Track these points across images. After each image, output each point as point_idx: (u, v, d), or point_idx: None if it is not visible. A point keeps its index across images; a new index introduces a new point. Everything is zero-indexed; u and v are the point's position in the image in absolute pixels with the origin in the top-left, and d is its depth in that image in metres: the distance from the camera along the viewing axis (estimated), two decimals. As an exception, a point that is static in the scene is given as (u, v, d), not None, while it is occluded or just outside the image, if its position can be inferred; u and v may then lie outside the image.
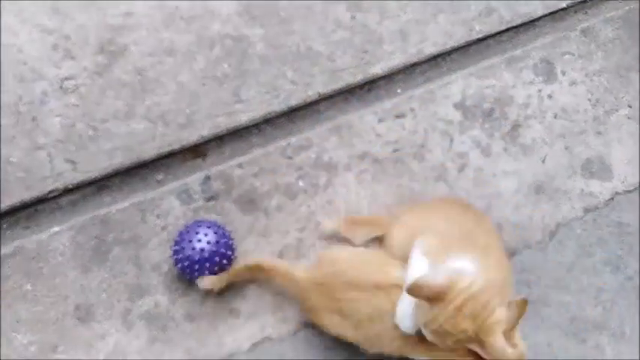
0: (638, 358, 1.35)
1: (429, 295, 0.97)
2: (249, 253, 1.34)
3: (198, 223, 1.24)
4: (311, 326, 1.29)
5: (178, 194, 1.38)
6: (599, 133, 1.54)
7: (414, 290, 0.98)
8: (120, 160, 1.37)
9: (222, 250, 1.21)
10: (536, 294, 1.38)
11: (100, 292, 1.29)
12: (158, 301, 1.29)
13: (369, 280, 1.15)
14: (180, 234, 1.23)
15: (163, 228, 1.34)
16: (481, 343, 0.96)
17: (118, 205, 1.35)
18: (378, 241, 1.31)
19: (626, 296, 1.40)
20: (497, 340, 0.96)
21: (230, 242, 1.24)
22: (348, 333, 1.17)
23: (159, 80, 1.45)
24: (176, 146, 1.41)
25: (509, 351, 0.96)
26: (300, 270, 1.24)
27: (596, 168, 1.51)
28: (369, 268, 1.18)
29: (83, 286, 1.28)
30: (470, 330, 0.96)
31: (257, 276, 1.29)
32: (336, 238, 1.35)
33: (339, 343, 1.27)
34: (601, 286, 1.40)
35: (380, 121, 1.49)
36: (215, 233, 1.22)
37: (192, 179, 1.39)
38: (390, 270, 1.16)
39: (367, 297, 1.14)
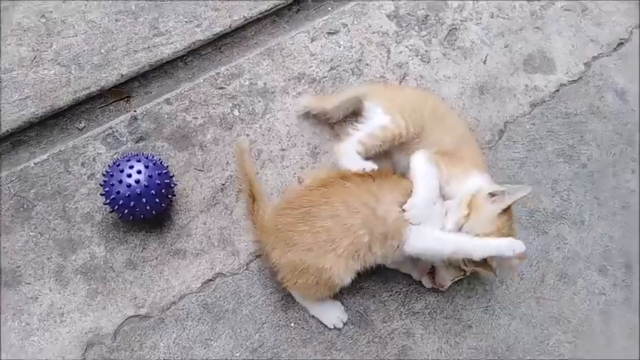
0: (599, 244, 1.35)
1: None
2: (189, 190, 1.26)
3: (126, 158, 1.14)
4: (261, 255, 1.23)
5: (104, 139, 1.28)
6: (537, 27, 1.52)
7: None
8: (32, 111, 1.26)
9: (157, 182, 1.12)
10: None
11: (27, 253, 1.18)
12: (94, 252, 1.20)
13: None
14: (107, 174, 1.14)
15: (90, 176, 1.24)
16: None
17: (36, 159, 1.25)
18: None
19: (581, 184, 1.39)
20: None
21: (165, 171, 1.16)
22: None
23: (66, 21, 1.34)
24: (94, 89, 1.30)
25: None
26: None
27: (538, 62, 1.49)
28: None
29: (6, 248, 1.18)
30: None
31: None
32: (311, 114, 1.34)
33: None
34: (556, 177, 1.39)
35: (313, 40, 1.42)
36: (146, 166, 1.12)
37: (118, 122, 1.30)
38: None
39: None
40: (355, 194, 1.10)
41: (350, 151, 1.17)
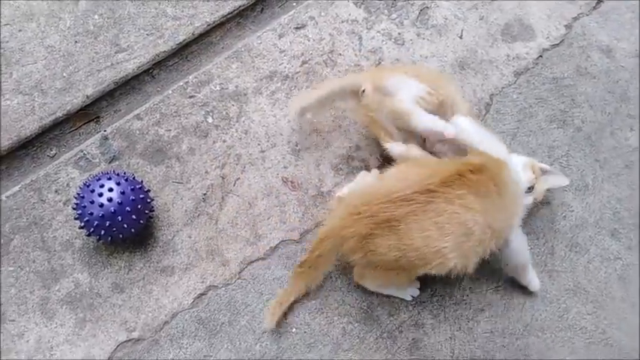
0: (607, 207, 1.34)
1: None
2: (170, 204, 1.26)
3: (96, 177, 1.15)
4: (253, 262, 1.22)
5: (75, 163, 1.29)
6: (511, -5, 1.54)
7: None
8: (-1, 143, 1.28)
9: (132, 198, 1.12)
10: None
11: (8, 289, 1.18)
12: (78, 280, 1.19)
13: None
14: (78, 196, 1.14)
15: (66, 202, 1.25)
16: None
17: (8, 192, 1.25)
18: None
19: (579, 148, 1.39)
20: None
21: (139, 186, 1.16)
22: None
23: (23, 49, 1.36)
24: (60, 114, 1.32)
25: None
26: None
27: (516, 30, 1.50)
28: None
29: (-14, 287, 1.17)
30: None
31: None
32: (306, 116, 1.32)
33: (286, 272, 1.21)
34: (551, 144, 1.39)
35: (280, 37, 1.44)
36: (117, 183, 1.13)
37: (88, 144, 1.31)
38: None
39: None
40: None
41: (417, 109, 1.15)
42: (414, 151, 1.20)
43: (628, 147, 1.41)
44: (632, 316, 1.26)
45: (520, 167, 1.19)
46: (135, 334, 1.16)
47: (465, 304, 1.22)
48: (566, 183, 1.27)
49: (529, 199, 1.20)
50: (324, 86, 1.28)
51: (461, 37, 1.48)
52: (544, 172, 1.24)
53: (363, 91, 1.21)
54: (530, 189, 1.21)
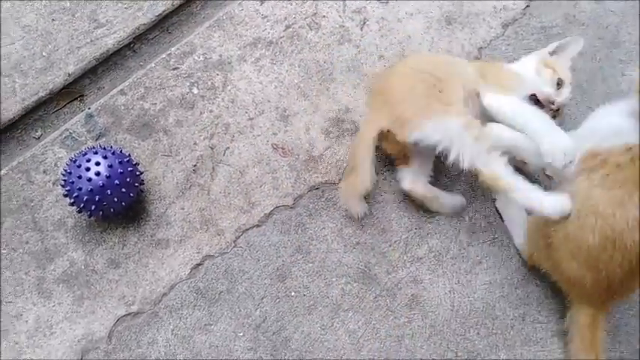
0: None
1: None
2: (160, 177, 1.26)
3: (82, 152, 1.14)
4: (248, 229, 1.23)
5: (62, 142, 1.28)
6: (493, -54, 1.51)
7: None
8: (-18, 127, 1.27)
9: (120, 170, 1.12)
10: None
11: (3, 271, 1.18)
12: (72, 258, 1.20)
13: None
14: (66, 172, 1.13)
15: (55, 182, 1.24)
16: None
17: (-5, 176, 1.25)
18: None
19: (571, 96, 1.38)
20: None
21: (127, 159, 1.15)
22: None
23: None
24: (43, 94, 1.31)
25: None
26: None
27: (502, -19, 1.49)
28: None
29: (-19, 270, 1.18)
30: None
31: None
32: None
33: (283, 238, 1.21)
34: (543, 93, 1.38)
35: (262, 2, 1.42)
36: (104, 157, 1.12)
37: (74, 122, 1.30)
38: None
39: None
40: None
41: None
42: (421, 188, 1.21)
43: (620, 92, 1.41)
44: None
45: (533, 72, 1.20)
46: (134, 308, 1.17)
47: (463, 257, 1.22)
48: (581, 43, 1.27)
49: (567, 91, 1.22)
50: (359, 163, 1.16)
51: (445, -8, 1.46)
52: (555, 52, 1.26)
53: (388, 131, 1.16)
54: (560, 84, 1.21)
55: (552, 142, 1.07)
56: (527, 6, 1.46)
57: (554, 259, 1.08)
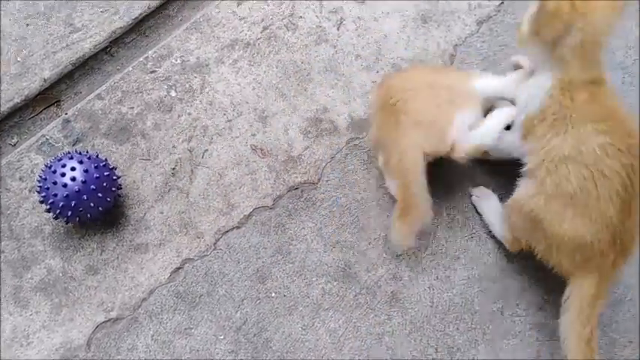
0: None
1: None
2: (139, 181, 1.26)
3: (57, 158, 1.14)
4: (228, 231, 1.23)
5: (38, 148, 1.27)
6: (467, -55, 1.53)
7: None
8: (-44, 135, 1.26)
9: (96, 175, 1.11)
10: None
11: (-20, 280, 1.18)
12: (50, 265, 1.19)
13: None
14: (41, 179, 1.13)
15: (31, 189, 1.24)
16: None
17: (-29, 184, 1.24)
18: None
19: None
20: None
21: (103, 164, 1.15)
22: None
23: (-26, 36, 1.33)
24: (18, 100, 1.30)
25: None
26: None
27: (476, -20, 1.50)
28: None
29: (-43, 280, 1.17)
30: None
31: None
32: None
33: (262, 239, 1.22)
34: (519, 90, 1.40)
35: (239, 4, 1.42)
36: (80, 162, 1.12)
37: (50, 128, 1.29)
38: None
39: None
40: None
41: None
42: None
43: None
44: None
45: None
46: (113, 314, 1.16)
47: (442, 253, 1.23)
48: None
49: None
50: (415, 195, 1.12)
51: (421, -9, 1.48)
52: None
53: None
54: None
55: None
56: (502, 3, 1.48)
57: (544, 230, 1.06)
